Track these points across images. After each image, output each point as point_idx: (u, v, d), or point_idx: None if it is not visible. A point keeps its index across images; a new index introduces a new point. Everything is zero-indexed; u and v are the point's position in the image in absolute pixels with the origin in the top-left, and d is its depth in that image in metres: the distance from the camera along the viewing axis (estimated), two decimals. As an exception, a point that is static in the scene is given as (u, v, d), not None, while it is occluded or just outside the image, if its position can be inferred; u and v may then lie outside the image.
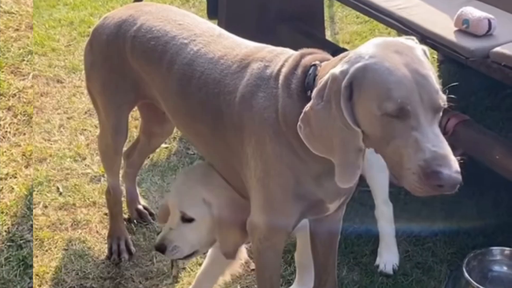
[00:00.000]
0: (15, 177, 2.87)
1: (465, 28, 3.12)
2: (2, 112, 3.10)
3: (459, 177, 1.88)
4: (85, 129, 4.16)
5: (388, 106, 1.89)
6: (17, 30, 3.67)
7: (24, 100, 3.21)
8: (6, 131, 3.03)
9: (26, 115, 3.14)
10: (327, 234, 2.64)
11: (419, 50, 2.03)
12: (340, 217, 2.62)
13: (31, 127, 3.06)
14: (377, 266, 3.11)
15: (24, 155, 2.97)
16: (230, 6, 4.19)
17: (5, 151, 2.93)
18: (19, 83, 3.32)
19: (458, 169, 1.89)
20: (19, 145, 3.00)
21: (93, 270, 3.11)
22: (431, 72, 1.96)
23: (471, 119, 3.19)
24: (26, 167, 2.89)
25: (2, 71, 3.33)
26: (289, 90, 2.19)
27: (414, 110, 1.89)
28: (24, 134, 3.05)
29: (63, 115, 4.30)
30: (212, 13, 4.35)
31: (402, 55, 1.96)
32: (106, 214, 3.37)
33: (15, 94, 3.25)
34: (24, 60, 3.45)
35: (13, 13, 3.79)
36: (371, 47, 2.00)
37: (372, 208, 3.19)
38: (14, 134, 3.05)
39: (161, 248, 2.61)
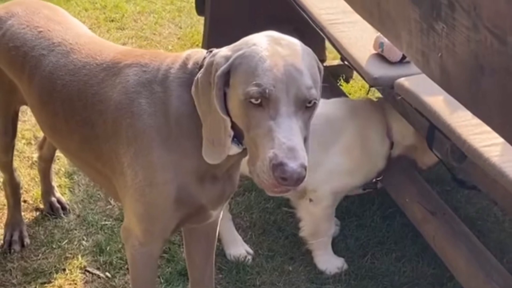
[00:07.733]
0: None
1: (380, 51, 2.84)
2: None
3: (303, 172, 1.81)
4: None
5: (251, 90, 1.85)
6: None
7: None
8: None
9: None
10: (204, 243, 2.54)
11: (309, 50, 1.97)
12: (218, 223, 2.51)
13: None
14: None
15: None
16: (215, 4, 4.07)
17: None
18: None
19: (305, 163, 1.82)
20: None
21: (-19, 256, 3.07)
22: (307, 70, 1.90)
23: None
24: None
25: None
26: (182, 90, 2.09)
27: (275, 99, 1.84)
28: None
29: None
30: (201, 11, 4.23)
31: (284, 48, 1.91)
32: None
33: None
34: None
35: None
36: (258, 37, 1.96)
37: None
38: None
39: None
